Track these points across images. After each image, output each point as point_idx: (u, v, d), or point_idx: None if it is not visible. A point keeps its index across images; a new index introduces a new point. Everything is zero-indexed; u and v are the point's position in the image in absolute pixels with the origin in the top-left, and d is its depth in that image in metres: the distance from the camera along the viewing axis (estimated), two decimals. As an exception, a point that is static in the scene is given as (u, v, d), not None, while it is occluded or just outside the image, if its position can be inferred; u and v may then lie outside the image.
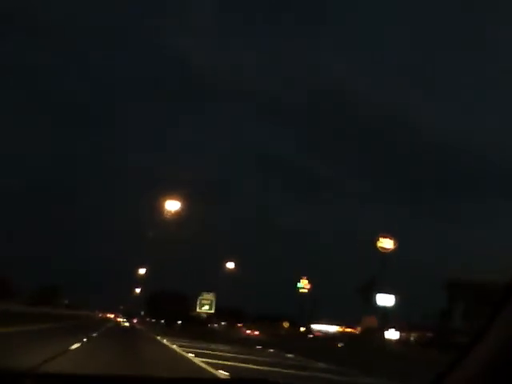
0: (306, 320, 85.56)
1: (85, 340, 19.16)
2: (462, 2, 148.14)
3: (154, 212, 57.76)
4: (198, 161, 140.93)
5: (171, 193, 52.50)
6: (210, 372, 12.53)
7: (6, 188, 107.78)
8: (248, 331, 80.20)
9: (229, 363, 16.08)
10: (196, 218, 71.61)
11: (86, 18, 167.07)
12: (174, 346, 23.74)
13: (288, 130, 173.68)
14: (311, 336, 75.86)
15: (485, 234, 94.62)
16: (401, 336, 60.07)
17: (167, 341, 28.34)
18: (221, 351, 23.67)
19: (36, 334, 21.31)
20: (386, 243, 59.03)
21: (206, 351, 21.24)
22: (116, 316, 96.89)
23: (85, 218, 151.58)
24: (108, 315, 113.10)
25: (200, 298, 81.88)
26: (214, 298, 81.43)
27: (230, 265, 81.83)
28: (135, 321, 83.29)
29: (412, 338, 58.91)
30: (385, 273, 58.10)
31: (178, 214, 51.97)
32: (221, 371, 12.53)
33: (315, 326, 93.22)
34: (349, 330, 78.20)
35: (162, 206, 53.13)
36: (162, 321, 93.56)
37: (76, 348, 14.90)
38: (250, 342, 41.25)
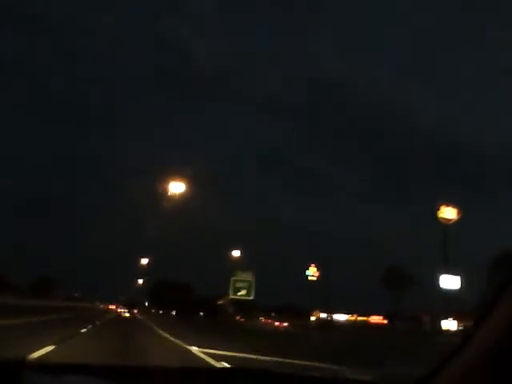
0: (322, 309, 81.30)
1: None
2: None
3: (156, 198, 53.65)
4: (197, 159, 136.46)
5: (174, 175, 48.31)
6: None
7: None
8: (276, 323, 73.37)
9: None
10: (199, 205, 67.88)
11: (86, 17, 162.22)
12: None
13: (287, 129, 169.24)
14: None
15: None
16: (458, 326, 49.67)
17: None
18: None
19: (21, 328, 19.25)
20: (448, 213, 49.98)
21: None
22: (117, 307, 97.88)
23: (85, 208, 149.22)
24: (110, 306, 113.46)
25: (233, 278, 57.14)
26: (253, 279, 57.37)
27: (236, 253, 76.80)
28: (136, 311, 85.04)
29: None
30: (448, 247, 48.96)
31: (182, 196, 47.80)
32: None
33: (325, 314, 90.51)
34: (361, 318, 74.93)
35: (166, 190, 48.88)
36: (174, 312, 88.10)
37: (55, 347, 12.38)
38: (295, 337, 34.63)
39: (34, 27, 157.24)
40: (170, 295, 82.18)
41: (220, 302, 71.50)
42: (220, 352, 14.12)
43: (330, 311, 78.00)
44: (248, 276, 56.47)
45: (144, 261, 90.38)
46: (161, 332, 26.90)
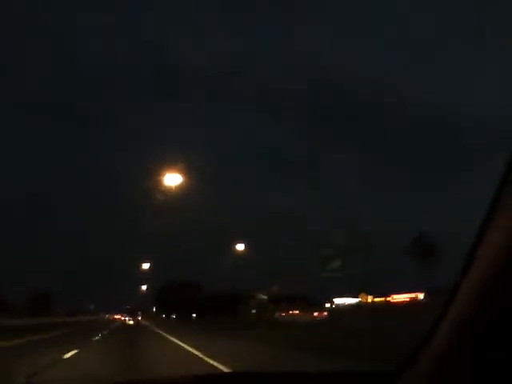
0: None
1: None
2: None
3: (154, 195, 49.73)
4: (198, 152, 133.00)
5: (170, 166, 44.26)
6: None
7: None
8: (315, 313, 67.38)
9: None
10: (197, 199, 64.01)
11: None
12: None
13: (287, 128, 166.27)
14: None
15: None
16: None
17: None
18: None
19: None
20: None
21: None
22: (122, 316, 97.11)
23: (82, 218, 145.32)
24: (115, 316, 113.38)
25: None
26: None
27: (240, 247, 72.46)
28: (139, 318, 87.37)
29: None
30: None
31: (179, 188, 43.78)
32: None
33: (339, 300, 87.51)
34: (378, 299, 71.19)
35: (162, 183, 44.79)
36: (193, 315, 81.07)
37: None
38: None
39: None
40: (176, 297, 78.49)
41: (262, 296, 64.56)
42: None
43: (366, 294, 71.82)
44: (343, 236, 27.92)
45: (145, 266, 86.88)
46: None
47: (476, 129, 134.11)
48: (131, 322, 68.45)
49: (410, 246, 63.46)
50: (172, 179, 44.75)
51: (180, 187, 45.14)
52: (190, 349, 15.78)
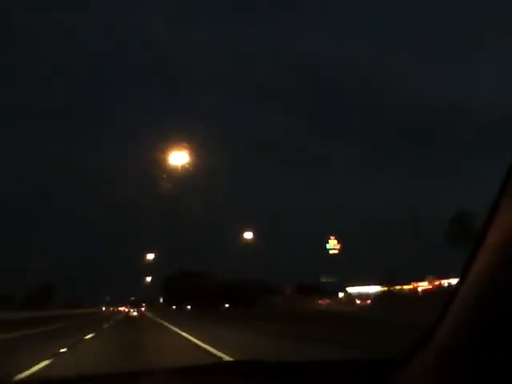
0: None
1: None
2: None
3: (157, 181, 46.36)
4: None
5: (176, 144, 40.70)
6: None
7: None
8: (358, 301, 62.70)
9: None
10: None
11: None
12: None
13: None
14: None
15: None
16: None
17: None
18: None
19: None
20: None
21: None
22: (126, 308, 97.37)
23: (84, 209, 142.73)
24: (119, 308, 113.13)
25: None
26: None
27: (248, 235, 68.55)
28: (143, 309, 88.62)
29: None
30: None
31: (185, 168, 40.16)
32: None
33: (352, 289, 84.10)
34: (398, 287, 67.12)
35: (167, 162, 41.30)
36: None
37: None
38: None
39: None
40: (189, 286, 72.28)
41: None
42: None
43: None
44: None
45: (150, 256, 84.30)
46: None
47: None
48: (135, 314, 68.09)
49: (450, 229, 58.04)
50: (178, 158, 41.16)
51: (185, 167, 41.64)
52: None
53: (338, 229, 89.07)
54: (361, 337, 11.65)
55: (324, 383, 1.94)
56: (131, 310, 78.04)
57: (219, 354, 10.32)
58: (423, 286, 69.39)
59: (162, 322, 32.97)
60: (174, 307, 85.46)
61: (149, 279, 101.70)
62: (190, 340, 15.37)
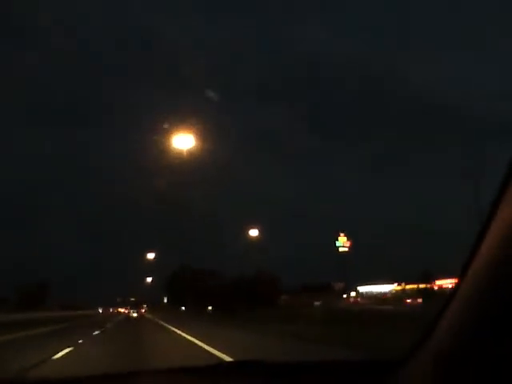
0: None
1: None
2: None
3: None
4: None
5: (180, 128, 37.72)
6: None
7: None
8: (408, 300, 57.85)
9: None
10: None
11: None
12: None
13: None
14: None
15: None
16: None
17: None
18: None
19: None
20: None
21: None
22: (126, 309, 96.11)
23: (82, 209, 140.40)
24: (119, 310, 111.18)
25: None
26: None
27: (254, 232, 63.92)
28: (143, 310, 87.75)
29: None
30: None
31: (191, 154, 37.19)
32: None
33: (363, 288, 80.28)
34: (410, 286, 63.36)
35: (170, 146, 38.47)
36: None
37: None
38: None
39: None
40: (199, 285, 62.91)
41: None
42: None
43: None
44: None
45: (150, 255, 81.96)
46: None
47: None
48: (135, 315, 67.75)
49: None
50: (183, 141, 38.17)
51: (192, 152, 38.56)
52: None
53: (348, 228, 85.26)
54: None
55: (323, 383, 1.96)
56: (131, 311, 76.82)
57: None
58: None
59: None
60: (182, 308, 72.79)
61: (149, 280, 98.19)
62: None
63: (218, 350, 11.21)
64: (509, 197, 1.07)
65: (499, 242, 1.09)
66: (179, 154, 39.69)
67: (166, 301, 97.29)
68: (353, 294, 76.67)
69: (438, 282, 66.04)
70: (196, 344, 14.14)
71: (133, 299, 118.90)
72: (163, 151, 41.89)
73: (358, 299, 62.91)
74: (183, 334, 18.83)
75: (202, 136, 39.61)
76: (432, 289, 59.10)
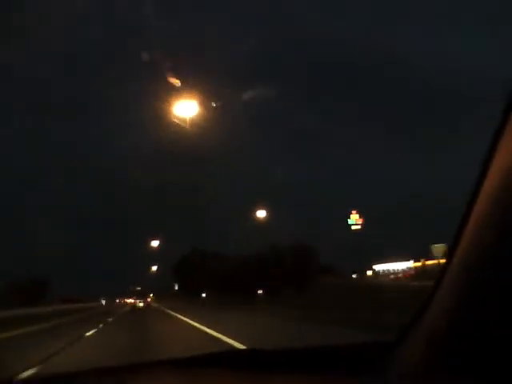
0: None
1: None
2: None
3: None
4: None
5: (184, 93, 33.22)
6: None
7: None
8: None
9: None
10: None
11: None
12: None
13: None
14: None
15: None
16: None
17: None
18: None
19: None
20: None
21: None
22: (133, 299, 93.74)
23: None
24: (126, 300, 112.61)
25: None
26: None
27: (261, 213, 59.51)
28: (149, 300, 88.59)
29: None
30: None
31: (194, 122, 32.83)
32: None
33: (379, 267, 77.13)
34: (430, 262, 59.76)
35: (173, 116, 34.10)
36: None
37: None
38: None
39: None
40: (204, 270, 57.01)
41: None
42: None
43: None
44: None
45: (155, 243, 79.54)
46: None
47: None
48: (141, 305, 67.59)
49: None
50: (186, 108, 33.32)
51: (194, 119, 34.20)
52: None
53: (360, 204, 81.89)
54: None
55: (317, 368, 1.94)
56: (137, 301, 76.06)
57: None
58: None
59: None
60: (203, 295, 62.91)
61: (155, 268, 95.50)
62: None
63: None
64: (492, 174, 1.05)
65: (486, 222, 1.07)
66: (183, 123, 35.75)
67: (176, 288, 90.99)
68: (369, 272, 73.74)
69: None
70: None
71: (138, 288, 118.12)
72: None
73: (399, 275, 59.52)
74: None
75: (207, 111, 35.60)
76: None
